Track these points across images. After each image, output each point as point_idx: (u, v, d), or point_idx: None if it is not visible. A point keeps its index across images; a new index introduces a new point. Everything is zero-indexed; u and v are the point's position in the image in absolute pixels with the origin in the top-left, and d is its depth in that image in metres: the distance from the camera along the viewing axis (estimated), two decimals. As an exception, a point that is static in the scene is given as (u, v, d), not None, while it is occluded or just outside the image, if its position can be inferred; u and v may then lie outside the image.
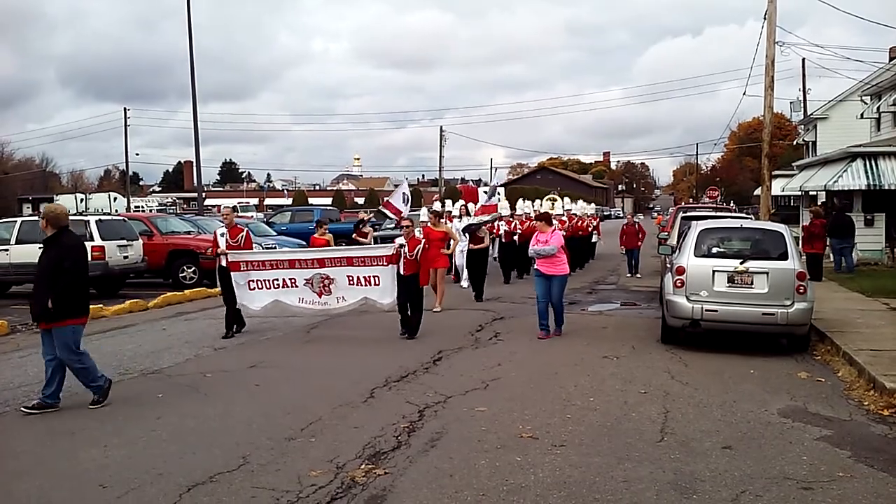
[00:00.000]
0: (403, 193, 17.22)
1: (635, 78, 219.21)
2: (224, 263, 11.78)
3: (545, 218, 12.07)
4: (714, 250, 10.74)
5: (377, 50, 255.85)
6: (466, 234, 16.76)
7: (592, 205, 36.06)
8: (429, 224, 14.83)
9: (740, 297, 10.14)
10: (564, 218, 23.17)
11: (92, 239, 17.65)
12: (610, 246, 27.36)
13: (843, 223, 19.84)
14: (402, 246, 11.38)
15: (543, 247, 11.47)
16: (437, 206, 21.52)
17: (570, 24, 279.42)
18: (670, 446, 6.33)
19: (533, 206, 25.79)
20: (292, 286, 11.68)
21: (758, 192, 31.82)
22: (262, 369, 9.42)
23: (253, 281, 11.74)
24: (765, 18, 22.30)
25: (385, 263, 11.34)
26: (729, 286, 10.21)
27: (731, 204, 46.59)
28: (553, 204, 26.70)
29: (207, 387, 8.67)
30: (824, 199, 26.48)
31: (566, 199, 31.16)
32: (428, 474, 5.70)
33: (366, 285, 11.47)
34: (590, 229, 25.94)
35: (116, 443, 6.52)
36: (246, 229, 12.39)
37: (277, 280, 11.73)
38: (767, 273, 10.10)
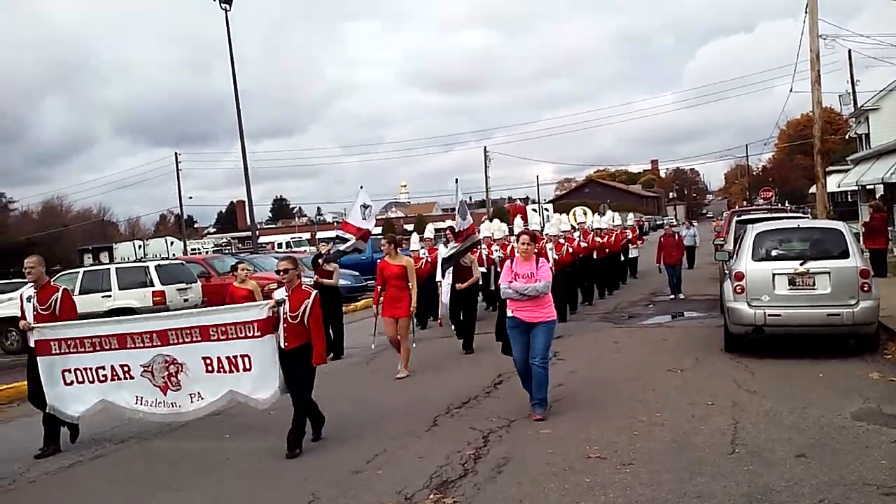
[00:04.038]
0: (362, 206, 13.09)
1: (682, 82, 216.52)
2: (32, 343, 8.39)
3: (531, 236, 8.39)
4: (772, 253, 10.54)
5: (422, 74, 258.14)
6: (446, 274, 13.50)
7: (631, 215, 32.06)
8: (385, 258, 11.08)
9: (803, 299, 9.93)
10: (576, 234, 17.60)
11: (152, 284, 18.08)
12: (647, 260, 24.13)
13: None
14: (280, 303, 7.47)
15: (527, 284, 7.87)
16: (426, 233, 17.42)
17: (616, 34, 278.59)
18: (742, 458, 6.20)
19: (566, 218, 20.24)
20: (125, 377, 8.07)
21: (813, 189, 31.24)
22: (322, 402, 9.46)
23: (70, 371, 8.24)
24: (806, 12, 21.97)
25: (257, 333, 7.55)
26: (790, 289, 10.01)
27: (787, 204, 45.77)
28: (586, 215, 22.38)
29: (272, 423, 8.73)
30: (882, 193, 25.83)
31: (602, 211, 28.84)
32: (497, 500, 5.67)
33: (231, 371, 7.68)
34: (620, 243, 21.64)
35: (185, 488, 6.61)
36: (62, 289, 8.66)
37: (104, 369, 8.15)
38: (829, 273, 9.88)
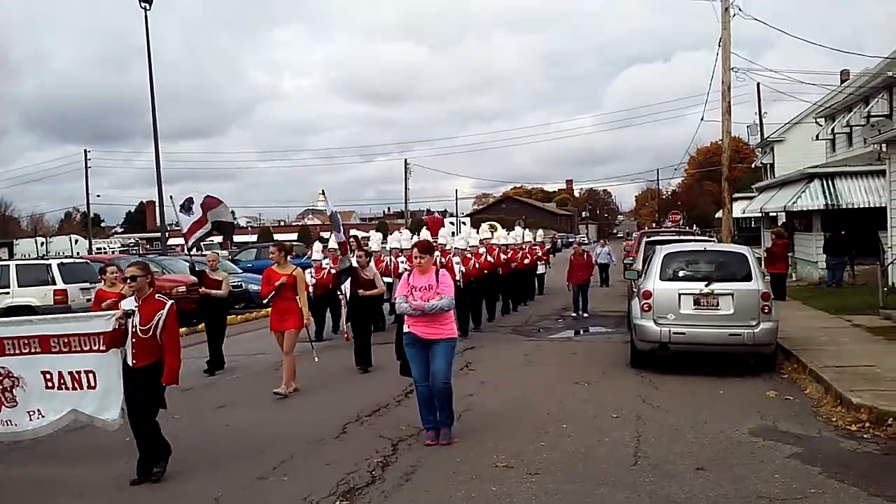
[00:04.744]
0: (332, 213, 12.58)
1: (602, 106, 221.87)
2: None
3: (425, 247, 7.60)
4: (679, 273, 10.86)
5: (347, 83, 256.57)
6: (343, 285, 12.72)
7: (541, 232, 31.51)
8: (273, 266, 10.38)
9: (707, 318, 10.25)
10: (482, 250, 16.77)
11: (54, 283, 17.43)
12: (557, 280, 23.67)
13: (836, 241, 20.68)
14: (128, 315, 6.57)
15: (429, 301, 7.26)
16: (330, 243, 15.77)
17: (540, 55, 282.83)
18: (644, 470, 6.35)
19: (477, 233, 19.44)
20: None
21: (719, 214, 32.32)
22: (231, 409, 9.30)
23: None
24: (719, 45, 22.80)
25: (103, 347, 6.76)
26: (695, 308, 10.32)
27: (694, 227, 47.22)
28: (493, 232, 20.88)
29: (176, 428, 8.51)
30: (784, 220, 26.94)
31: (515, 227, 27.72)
32: (403, 508, 5.65)
33: (75, 388, 6.86)
34: (525, 261, 20.77)
35: (88, 493, 6.38)
36: None
37: None
38: (732, 294, 10.23)
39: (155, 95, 32.29)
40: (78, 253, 42.35)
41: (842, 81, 30.82)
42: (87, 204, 60.87)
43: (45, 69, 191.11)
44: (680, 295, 10.41)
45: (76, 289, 17.76)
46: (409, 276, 7.59)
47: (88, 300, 17.87)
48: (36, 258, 27.88)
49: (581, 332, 15.92)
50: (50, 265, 18.18)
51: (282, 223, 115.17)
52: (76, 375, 6.85)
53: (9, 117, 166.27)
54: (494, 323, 17.10)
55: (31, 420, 7.00)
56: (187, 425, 8.64)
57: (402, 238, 16.90)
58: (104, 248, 56.33)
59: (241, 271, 25.21)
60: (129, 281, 6.61)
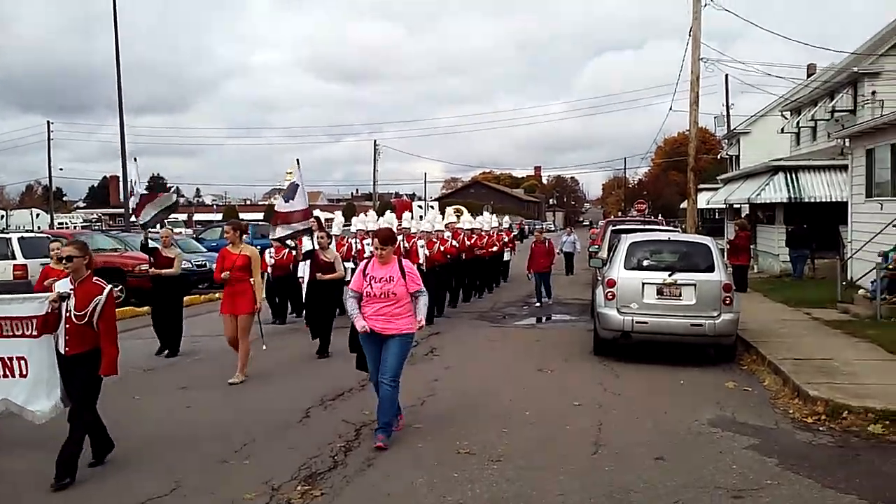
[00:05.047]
0: (292, 184, 11.63)
1: (574, 93, 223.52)
2: None
3: (386, 238, 7.09)
4: (644, 263, 10.97)
5: (319, 62, 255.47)
6: (301, 268, 12.56)
7: (507, 218, 31.11)
8: (227, 246, 10.03)
9: (669, 308, 10.37)
10: (447, 235, 16.39)
11: (14, 257, 17.14)
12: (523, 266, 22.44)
13: (798, 234, 20.98)
14: (63, 298, 6.09)
15: (420, 311, 7.04)
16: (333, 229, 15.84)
17: (513, 39, 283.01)
18: (604, 458, 6.42)
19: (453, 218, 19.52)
20: None
21: (684, 205, 32.62)
22: (194, 391, 9.23)
23: None
24: (689, 35, 22.92)
25: (35, 332, 6.28)
26: (658, 298, 10.43)
27: (659, 217, 47.62)
28: (459, 218, 20.34)
29: (136, 410, 8.45)
30: (748, 212, 27.28)
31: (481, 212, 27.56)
32: (365, 494, 5.67)
33: (7, 375, 6.42)
34: (493, 248, 20.87)
35: (39, 470, 6.30)
36: None
37: None
38: (695, 285, 10.35)
39: (121, 66, 31.73)
40: (39, 227, 41.73)
41: (808, 76, 31.24)
42: (49, 177, 59.72)
43: (5, 34, 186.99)
44: (643, 284, 10.52)
45: (37, 264, 17.36)
46: (365, 265, 7.13)
47: (49, 277, 17.64)
48: (-5, 232, 27.37)
49: (545, 319, 16.02)
50: (10, 239, 17.86)
51: (248, 202, 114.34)
52: (7, 362, 6.39)
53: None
54: (459, 309, 17.14)
55: None
56: (148, 406, 8.58)
57: (367, 220, 16.55)
58: (66, 223, 55.48)
59: (205, 250, 24.94)
60: (64, 262, 6.19)
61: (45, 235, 20.07)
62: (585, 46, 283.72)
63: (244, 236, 10.19)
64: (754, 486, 5.74)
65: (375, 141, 72.63)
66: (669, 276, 10.46)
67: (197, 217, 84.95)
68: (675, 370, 10.03)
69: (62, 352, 6.11)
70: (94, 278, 6.16)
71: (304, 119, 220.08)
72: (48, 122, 57.62)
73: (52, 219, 53.69)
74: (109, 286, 6.15)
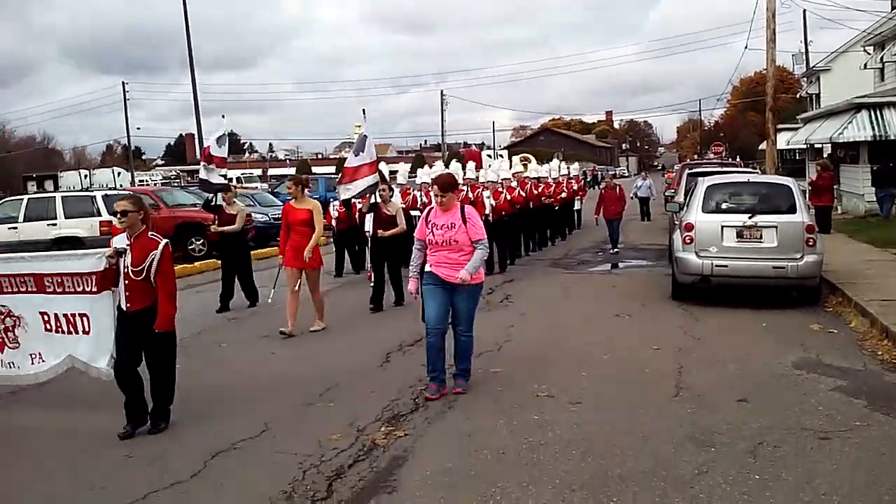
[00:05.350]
0: (361, 136, 11.38)
1: (641, 34, 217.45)
2: None
3: (446, 184, 6.83)
4: (722, 206, 10.74)
5: (381, 13, 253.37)
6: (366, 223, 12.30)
7: (576, 164, 29.53)
8: (290, 202, 10.02)
9: (750, 251, 10.15)
10: (514, 184, 15.90)
11: (100, 214, 17.76)
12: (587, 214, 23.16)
13: (884, 173, 20.37)
14: (120, 254, 6.01)
15: (469, 265, 6.62)
16: (399, 177, 16.14)
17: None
18: (685, 400, 6.38)
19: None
20: None
21: (762, 146, 31.71)
22: (276, 338, 9.46)
23: None
24: (766, -31, 22.03)
25: (94, 289, 6.24)
26: (738, 241, 10.22)
27: (737, 159, 46.37)
28: (526, 166, 19.70)
29: (224, 356, 8.76)
30: (830, 152, 26.35)
31: (551, 160, 26.26)
32: (447, 435, 5.77)
33: (70, 332, 6.41)
34: (561, 195, 20.07)
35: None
36: None
37: None
38: (776, 227, 10.10)
39: (189, 26, 32.18)
40: (121, 185, 42.95)
41: (893, 8, 29.71)
42: (128, 136, 61.37)
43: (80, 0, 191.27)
44: (722, 227, 10.31)
45: (121, 220, 18.08)
46: (428, 213, 6.90)
47: (133, 231, 18.28)
48: (81, 190, 28.29)
49: (621, 264, 15.86)
50: (95, 197, 18.53)
51: (319, 156, 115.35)
52: (71, 318, 6.37)
53: (45, 49, 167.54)
54: (532, 257, 17.10)
55: (32, 363, 6.61)
56: (234, 353, 8.87)
57: (431, 173, 15.78)
58: (146, 181, 57.00)
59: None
60: (118, 216, 6.04)
61: (128, 192, 20.73)
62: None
63: (306, 190, 10.16)
64: (842, 427, 5.63)
65: (442, 91, 72.37)
66: (749, 218, 10.22)
67: (272, 172, 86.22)
68: (756, 313, 9.84)
69: (124, 308, 6.00)
70: (150, 233, 6.04)
71: (370, 72, 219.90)
72: (123, 82, 59.06)
73: (132, 177, 55.16)
74: (165, 240, 6.03)
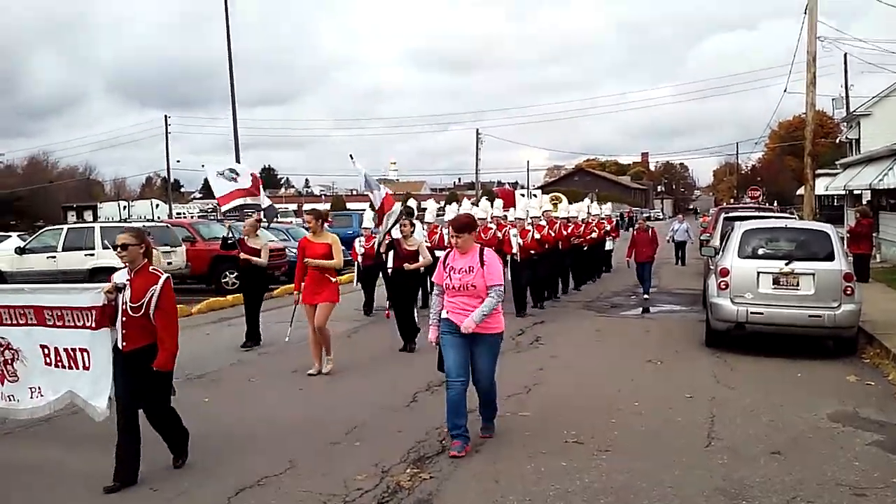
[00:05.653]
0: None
1: (679, 76, 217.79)
2: None
3: (461, 225, 6.52)
4: (759, 251, 10.60)
5: (420, 51, 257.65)
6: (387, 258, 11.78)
7: (609, 205, 28.94)
8: (307, 235, 9.85)
9: (786, 298, 10.00)
10: (543, 222, 15.58)
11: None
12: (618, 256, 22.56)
13: None
14: (120, 289, 5.72)
15: (478, 310, 6.24)
16: (427, 216, 15.58)
17: (616, 22, 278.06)
18: (718, 451, 6.25)
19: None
20: None
21: (800, 191, 31.42)
22: (303, 375, 9.46)
23: None
24: (805, 13, 21.97)
25: (93, 324, 5.96)
26: (774, 288, 10.07)
27: (774, 204, 45.93)
28: (556, 206, 19.32)
29: (252, 391, 8.78)
30: (869, 199, 26.01)
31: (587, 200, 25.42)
32: (473, 479, 5.70)
33: (71, 367, 6.15)
34: (591, 235, 19.63)
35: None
36: None
37: None
38: (814, 274, 9.94)
39: (232, 62, 32.81)
40: (159, 217, 43.61)
41: (937, 54, 29.39)
42: (168, 169, 62.37)
43: (125, 34, 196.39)
44: (759, 273, 10.17)
45: (158, 252, 18.29)
46: (447, 255, 6.59)
47: (169, 263, 18.51)
48: (119, 221, 28.78)
49: (654, 309, 15.69)
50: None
51: (354, 192, 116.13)
52: (71, 353, 6.11)
53: (91, 82, 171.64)
54: (564, 298, 16.99)
55: (31, 398, 6.38)
56: (263, 389, 8.87)
57: (460, 210, 15.86)
58: (184, 213, 57.83)
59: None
60: (119, 250, 5.73)
61: (165, 224, 21.02)
62: (693, 28, 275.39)
63: (325, 224, 9.92)
64: (879, 483, 5.48)
65: (478, 130, 72.68)
66: (786, 264, 10.08)
67: (306, 206, 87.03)
68: (791, 362, 9.67)
69: (120, 347, 5.72)
70: (151, 267, 5.76)
71: (407, 109, 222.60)
72: (165, 116, 60.27)
73: (170, 209, 56.04)
74: (166, 275, 5.73)
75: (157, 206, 54.32)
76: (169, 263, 18.63)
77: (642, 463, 5.97)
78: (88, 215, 45.62)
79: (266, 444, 6.62)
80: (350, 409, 7.68)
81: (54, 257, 18.57)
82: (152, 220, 28.64)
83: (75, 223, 26.53)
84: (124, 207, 50.56)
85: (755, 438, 6.58)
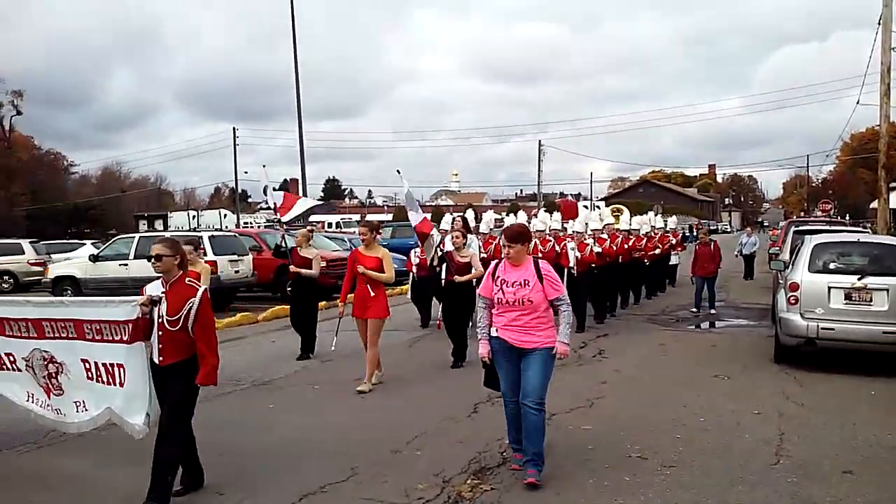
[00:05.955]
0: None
1: (747, 87, 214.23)
2: None
3: (514, 234, 6.04)
4: (830, 265, 10.32)
5: (483, 64, 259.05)
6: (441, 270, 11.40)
7: (674, 217, 27.38)
8: (359, 248, 9.44)
9: (859, 314, 9.71)
10: (604, 235, 15.37)
11: (205, 254, 18.38)
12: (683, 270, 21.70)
13: None
14: (154, 302, 5.50)
15: (562, 330, 5.89)
16: (482, 226, 15.83)
17: (682, 34, 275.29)
18: (786, 469, 6.10)
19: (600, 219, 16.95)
20: (12, 368, 6.52)
21: (874, 205, 30.47)
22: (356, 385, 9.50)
23: None
24: (879, 23, 21.41)
25: (127, 338, 5.72)
26: (846, 303, 9.80)
27: (846, 218, 44.72)
28: (618, 218, 18.85)
29: (315, 398, 8.88)
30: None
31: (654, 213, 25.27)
32: (534, 492, 5.66)
33: (109, 383, 5.91)
34: (655, 250, 19.14)
35: (229, 453, 6.70)
36: None
37: None
38: (888, 290, 9.64)
39: (299, 75, 33.38)
40: (227, 227, 44.52)
41: None
42: (236, 180, 63.85)
43: (196, 49, 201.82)
44: (830, 288, 9.90)
45: (225, 261, 18.70)
46: (496, 266, 6.11)
47: (237, 272, 18.92)
48: (188, 230, 29.48)
49: (720, 324, 15.39)
50: (201, 237, 19.19)
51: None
52: (109, 368, 5.88)
53: (164, 95, 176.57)
54: (627, 311, 16.79)
55: (77, 412, 6.19)
56: (326, 396, 8.97)
57: (516, 221, 15.11)
58: (251, 223, 58.92)
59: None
60: (153, 261, 5.48)
61: (233, 234, 21.44)
62: (762, 39, 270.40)
63: (378, 237, 9.68)
64: (958, 507, 5.28)
65: (540, 141, 72.32)
66: (859, 279, 9.80)
67: (369, 217, 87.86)
68: (865, 380, 9.38)
69: (156, 362, 5.52)
70: (188, 279, 5.54)
71: (470, 121, 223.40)
72: (234, 128, 61.71)
73: (238, 218, 57.20)
74: (203, 286, 5.54)
75: (225, 215, 55.51)
76: (236, 272, 19.04)
77: (707, 480, 5.86)
78: (159, 224, 46.92)
79: (328, 452, 6.69)
80: (411, 418, 7.71)
81: (126, 265, 19.10)
82: (220, 230, 29.22)
83: (146, 232, 27.27)
84: (193, 217, 51.79)
85: (826, 457, 6.40)
